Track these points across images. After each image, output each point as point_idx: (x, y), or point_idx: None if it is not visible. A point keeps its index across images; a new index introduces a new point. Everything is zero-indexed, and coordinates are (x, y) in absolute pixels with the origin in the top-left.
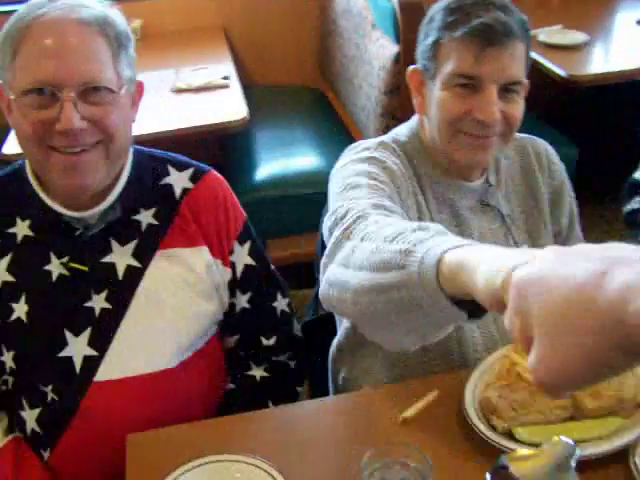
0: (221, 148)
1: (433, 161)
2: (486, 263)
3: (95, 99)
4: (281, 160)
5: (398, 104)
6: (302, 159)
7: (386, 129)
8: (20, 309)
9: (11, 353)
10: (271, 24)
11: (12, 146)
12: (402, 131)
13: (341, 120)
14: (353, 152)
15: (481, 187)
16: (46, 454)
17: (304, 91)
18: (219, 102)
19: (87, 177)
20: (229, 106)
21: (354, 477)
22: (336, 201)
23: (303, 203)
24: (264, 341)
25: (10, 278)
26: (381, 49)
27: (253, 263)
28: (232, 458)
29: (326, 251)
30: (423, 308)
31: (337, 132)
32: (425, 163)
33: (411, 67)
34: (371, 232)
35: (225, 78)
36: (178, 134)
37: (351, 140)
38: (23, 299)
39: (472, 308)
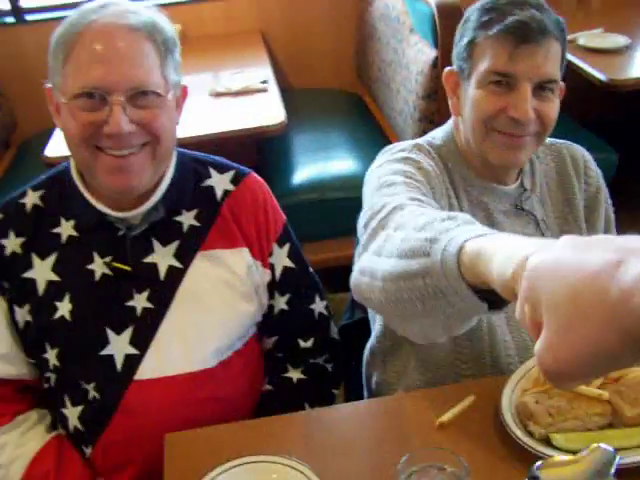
0: (259, 152)
1: (468, 164)
2: (502, 252)
3: (143, 103)
4: (318, 164)
5: (436, 108)
6: (339, 163)
7: (423, 133)
8: (64, 308)
9: (55, 351)
10: (309, 29)
11: (54, 149)
12: (437, 134)
13: (378, 124)
14: (389, 153)
15: (516, 191)
16: (87, 450)
17: (341, 95)
18: (257, 106)
19: (133, 178)
20: (267, 110)
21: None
22: (372, 198)
23: (340, 207)
24: (302, 343)
25: (55, 277)
26: (419, 53)
27: (292, 265)
28: (269, 459)
29: (362, 241)
30: (446, 297)
31: (374, 136)
32: (460, 166)
33: (447, 68)
34: (404, 222)
35: (263, 82)
36: (216, 138)
37: (388, 144)
38: (67, 298)
39: (495, 299)
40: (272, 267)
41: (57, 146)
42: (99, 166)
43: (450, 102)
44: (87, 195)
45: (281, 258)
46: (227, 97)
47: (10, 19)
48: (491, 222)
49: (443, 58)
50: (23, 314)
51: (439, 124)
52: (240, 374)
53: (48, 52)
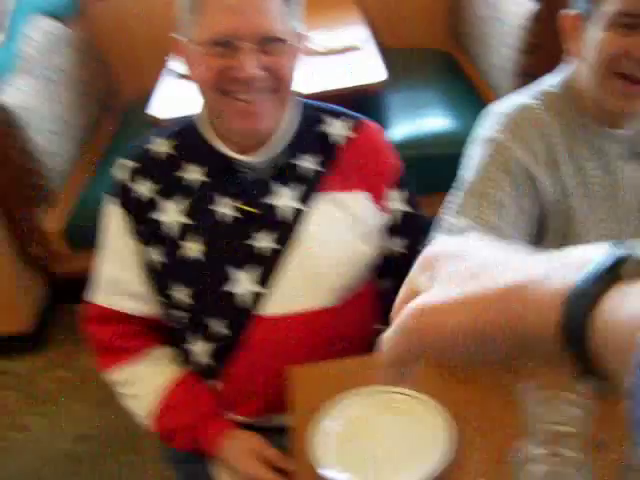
0: (356, 110)
1: (584, 109)
2: None
3: (270, 49)
4: (413, 121)
5: (536, 63)
6: (434, 120)
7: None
8: (194, 249)
9: (185, 290)
10: None
11: (158, 109)
12: (551, 80)
13: (472, 81)
14: (488, 122)
15: (633, 135)
16: (215, 385)
17: (434, 53)
18: (354, 65)
19: (260, 122)
20: (366, 68)
21: (516, 411)
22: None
23: (435, 164)
24: None
25: (186, 220)
26: (519, 6)
27: (409, 210)
28: (392, 390)
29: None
30: None
31: (467, 93)
32: (575, 111)
33: (564, 12)
34: None
35: (359, 42)
36: (316, 96)
37: (482, 102)
38: (197, 239)
39: None
40: (390, 211)
41: (160, 107)
42: (228, 110)
43: (567, 47)
44: (215, 142)
45: (398, 203)
46: (323, 56)
47: None
48: (607, 167)
49: (547, 8)
50: (156, 255)
51: (540, 77)
52: (357, 314)
53: (177, 5)
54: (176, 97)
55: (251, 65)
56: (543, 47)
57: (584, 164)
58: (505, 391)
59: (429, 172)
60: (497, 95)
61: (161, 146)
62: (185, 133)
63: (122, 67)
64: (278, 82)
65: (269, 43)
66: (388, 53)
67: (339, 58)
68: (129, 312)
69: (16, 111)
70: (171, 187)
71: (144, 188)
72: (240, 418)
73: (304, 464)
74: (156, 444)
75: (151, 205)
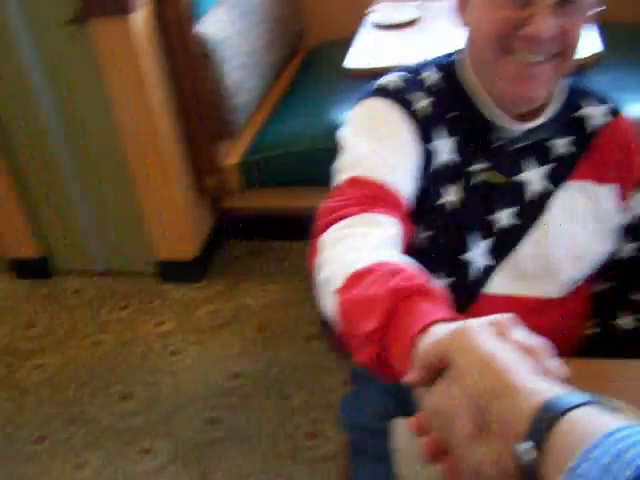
0: None
1: None
2: None
3: (567, 10)
4: (627, 104)
5: None
6: None
7: None
8: (448, 196)
9: (427, 234)
10: None
11: (354, 60)
12: None
13: None
14: None
15: None
16: None
17: None
18: None
19: (536, 89)
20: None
21: None
22: None
23: None
24: (637, 296)
25: (456, 158)
26: None
27: None
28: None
29: None
30: None
31: None
32: None
33: None
34: None
35: None
36: None
37: None
38: (453, 189)
39: None
40: (631, 210)
41: (356, 57)
42: (503, 70)
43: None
44: (476, 98)
45: None
46: None
47: None
48: None
49: None
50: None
51: None
52: (570, 312)
53: None
54: (373, 49)
55: (546, 23)
56: None
57: None
58: None
59: None
60: None
61: (427, 77)
62: (445, 75)
63: (311, 10)
64: (566, 47)
65: (566, 4)
66: (605, 27)
67: None
68: None
69: (215, 43)
70: (439, 119)
71: (422, 103)
72: None
73: None
74: (307, 393)
75: (429, 125)
